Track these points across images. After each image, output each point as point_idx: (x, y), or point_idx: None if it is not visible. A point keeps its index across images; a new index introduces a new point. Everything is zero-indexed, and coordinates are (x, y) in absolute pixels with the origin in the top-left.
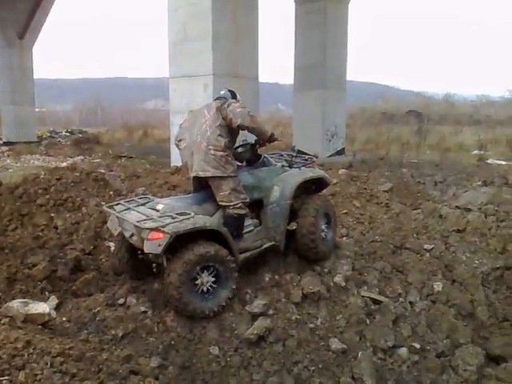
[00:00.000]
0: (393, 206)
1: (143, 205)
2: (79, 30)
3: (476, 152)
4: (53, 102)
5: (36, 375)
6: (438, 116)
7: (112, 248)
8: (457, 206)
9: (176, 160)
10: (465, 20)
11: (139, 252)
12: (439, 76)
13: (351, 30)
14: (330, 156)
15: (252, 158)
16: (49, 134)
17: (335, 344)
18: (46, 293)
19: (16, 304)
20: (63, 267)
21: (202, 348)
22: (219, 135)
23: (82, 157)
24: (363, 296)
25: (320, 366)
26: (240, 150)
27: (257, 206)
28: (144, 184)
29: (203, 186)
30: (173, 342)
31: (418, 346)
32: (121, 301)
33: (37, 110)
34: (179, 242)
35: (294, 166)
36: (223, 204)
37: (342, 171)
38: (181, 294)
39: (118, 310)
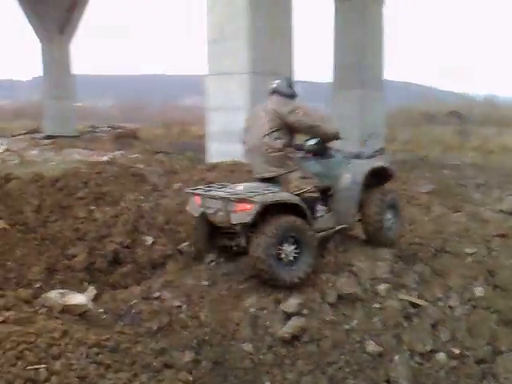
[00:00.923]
0: (433, 208)
1: (223, 188)
2: (120, 27)
3: None
4: (94, 98)
5: (72, 365)
6: (481, 117)
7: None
8: (500, 210)
9: (212, 157)
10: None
11: (220, 231)
12: (479, 77)
13: (389, 29)
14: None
15: (320, 151)
16: (89, 129)
17: (371, 346)
18: (85, 284)
19: (54, 294)
20: (101, 259)
21: (235, 344)
22: (276, 138)
23: (121, 152)
24: (401, 299)
25: (355, 367)
26: (309, 143)
27: (325, 194)
28: (181, 180)
29: None
30: (206, 337)
31: (457, 351)
32: (156, 294)
33: (78, 104)
34: (261, 218)
35: (362, 157)
36: (296, 193)
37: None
38: (269, 265)
39: (153, 304)
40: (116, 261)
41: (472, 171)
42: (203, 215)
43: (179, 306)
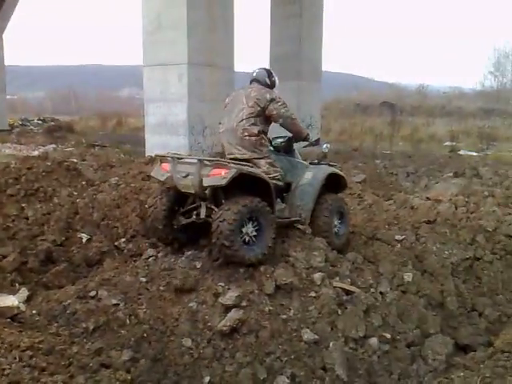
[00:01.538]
0: (366, 196)
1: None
2: (52, 15)
3: (448, 143)
4: (25, 90)
5: (4, 369)
6: (411, 107)
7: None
8: (428, 198)
9: (150, 150)
10: (438, 11)
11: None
12: (413, 67)
13: (326, 21)
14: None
15: (288, 149)
16: (20, 122)
17: (307, 335)
18: (17, 285)
19: None
20: (34, 259)
21: (174, 340)
22: (253, 124)
23: (54, 145)
24: (335, 286)
25: (292, 356)
26: (279, 140)
27: (285, 190)
28: (118, 174)
29: None
30: (145, 335)
31: (388, 336)
32: (92, 293)
33: (8, 97)
34: (226, 192)
35: (322, 162)
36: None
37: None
38: (232, 241)
39: (89, 303)
40: (49, 260)
41: (402, 160)
42: (168, 182)
43: (116, 304)
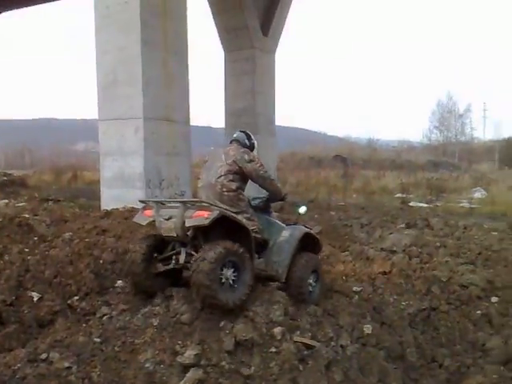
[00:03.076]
0: (323, 248)
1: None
2: (3, 70)
3: (399, 195)
4: None
5: None
6: (363, 161)
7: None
8: (382, 249)
9: (106, 203)
10: (385, 66)
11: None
12: (363, 122)
13: (279, 77)
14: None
15: (265, 209)
16: None
17: None
18: None
19: None
20: None
21: None
22: (231, 180)
23: (6, 201)
24: (295, 341)
25: None
26: (256, 201)
27: (261, 247)
28: (71, 229)
29: None
30: None
31: None
32: (43, 356)
33: None
34: (205, 235)
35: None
36: None
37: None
38: (211, 281)
39: (39, 367)
40: None
41: (356, 212)
42: (150, 236)
43: (69, 368)
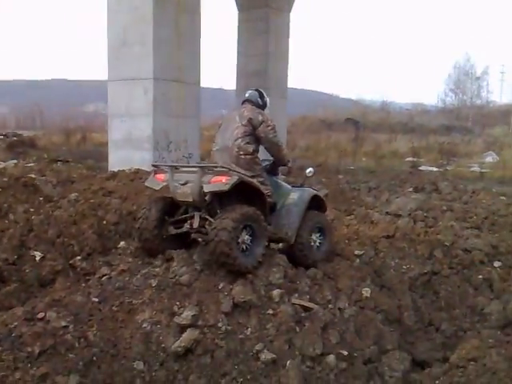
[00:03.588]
0: (327, 212)
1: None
2: (17, 30)
3: (409, 159)
4: None
5: None
6: (375, 124)
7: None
8: (387, 212)
9: (113, 165)
10: (403, 28)
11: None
12: (376, 84)
13: (292, 38)
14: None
15: (273, 172)
16: None
17: (264, 354)
18: None
19: None
20: None
21: (125, 363)
22: (248, 143)
23: (14, 161)
24: (293, 303)
25: (248, 376)
26: (266, 162)
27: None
28: (78, 189)
29: None
30: (94, 358)
31: (345, 353)
32: (40, 315)
33: None
34: (220, 201)
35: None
36: None
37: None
38: (231, 249)
39: (36, 325)
40: (0, 280)
41: (365, 175)
42: (162, 198)
43: (65, 327)
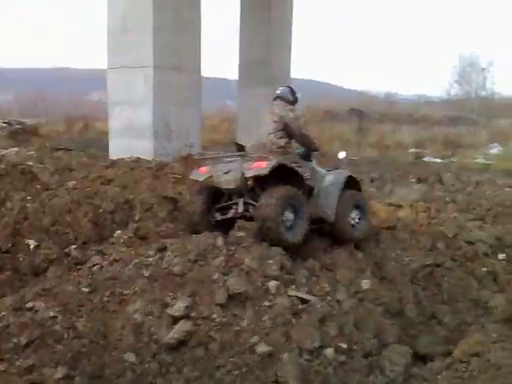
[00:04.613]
0: None
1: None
2: (20, 17)
3: (414, 150)
4: None
5: None
6: (379, 115)
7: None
8: (390, 203)
9: (113, 153)
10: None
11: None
12: (382, 75)
13: (296, 26)
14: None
15: (308, 157)
16: None
17: (260, 346)
18: None
19: None
20: None
21: (116, 355)
22: (281, 137)
23: (16, 149)
24: (290, 295)
25: (244, 369)
26: (299, 150)
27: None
28: (76, 178)
29: None
30: (84, 350)
31: (344, 346)
32: (29, 305)
33: None
34: (262, 186)
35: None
36: None
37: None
38: (277, 224)
39: (24, 315)
40: None
41: (368, 166)
42: (207, 186)
43: (54, 317)
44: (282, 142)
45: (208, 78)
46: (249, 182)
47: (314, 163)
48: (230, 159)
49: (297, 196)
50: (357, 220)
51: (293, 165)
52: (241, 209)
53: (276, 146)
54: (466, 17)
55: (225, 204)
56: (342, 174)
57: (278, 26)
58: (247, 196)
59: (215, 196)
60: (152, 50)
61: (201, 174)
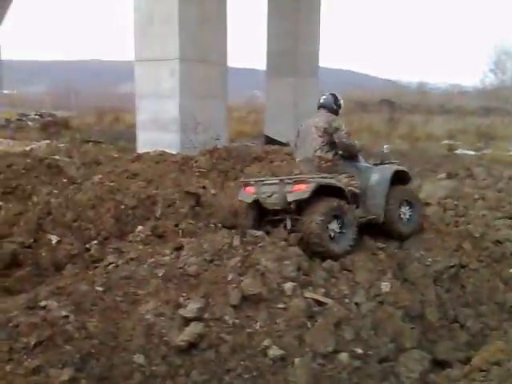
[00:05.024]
0: None
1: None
2: (53, 10)
3: (445, 142)
4: (25, 85)
5: None
6: (410, 105)
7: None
8: None
9: (141, 146)
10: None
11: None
12: (413, 65)
13: (324, 16)
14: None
15: (352, 158)
16: (17, 117)
17: (273, 350)
18: None
19: None
20: None
21: (125, 356)
22: (327, 151)
23: (47, 141)
24: (306, 297)
25: (255, 373)
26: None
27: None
28: (102, 171)
29: None
30: (93, 351)
31: (360, 350)
32: (43, 303)
33: (6, 92)
34: (308, 203)
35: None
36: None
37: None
38: (321, 239)
39: (36, 315)
40: (15, 263)
41: (397, 159)
42: (255, 202)
43: (66, 316)
44: (330, 155)
45: (237, 68)
46: (291, 205)
47: (360, 162)
48: (272, 181)
49: (340, 206)
50: (408, 216)
51: (340, 177)
52: (289, 225)
53: (324, 161)
54: (502, 4)
55: (273, 218)
56: (388, 169)
57: (306, 15)
58: (294, 213)
59: (264, 210)
60: (178, 43)
61: (247, 195)
